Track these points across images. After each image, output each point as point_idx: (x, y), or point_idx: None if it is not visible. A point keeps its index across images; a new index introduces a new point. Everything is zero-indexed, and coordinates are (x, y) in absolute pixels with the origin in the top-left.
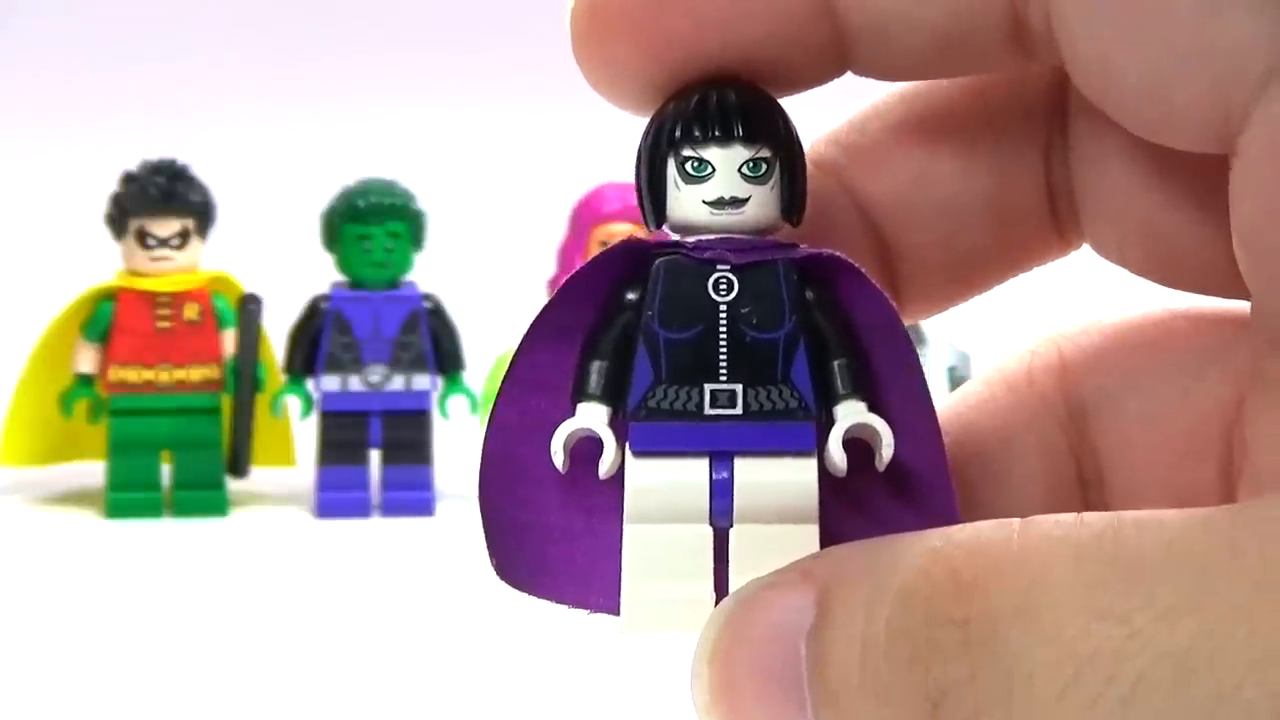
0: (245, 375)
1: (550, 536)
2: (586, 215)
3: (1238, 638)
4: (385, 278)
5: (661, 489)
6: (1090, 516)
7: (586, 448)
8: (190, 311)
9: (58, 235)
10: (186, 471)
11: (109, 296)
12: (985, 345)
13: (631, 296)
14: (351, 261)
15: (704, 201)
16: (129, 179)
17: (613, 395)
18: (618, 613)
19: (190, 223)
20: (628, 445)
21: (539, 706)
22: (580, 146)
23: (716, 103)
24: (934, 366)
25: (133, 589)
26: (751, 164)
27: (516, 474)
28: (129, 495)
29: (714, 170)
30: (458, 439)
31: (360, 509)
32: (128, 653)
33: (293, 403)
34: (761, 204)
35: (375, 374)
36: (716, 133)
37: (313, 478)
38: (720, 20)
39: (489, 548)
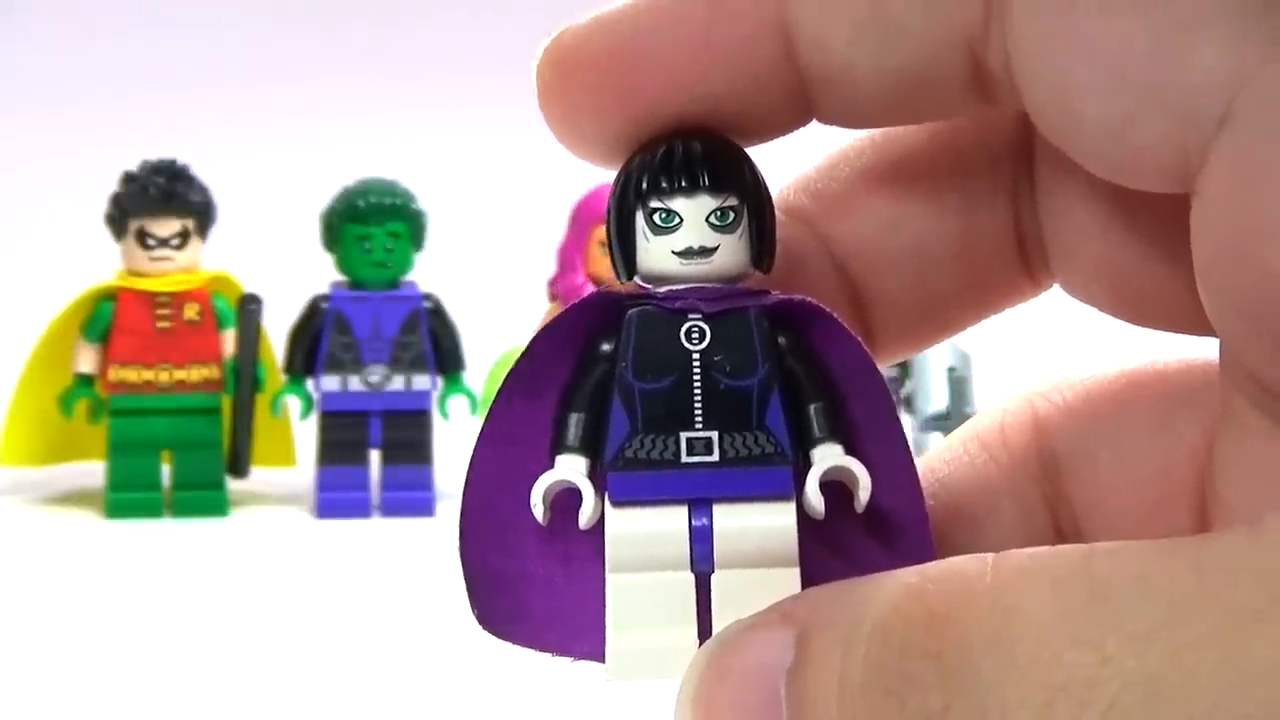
0: (245, 375)
1: (532, 585)
2: (586, 215)
3: (1208, 663)
4: (385, 278)
5: (642, 537)
6: (1064, 548)
7: (566, 498)
8: (190, 311)
9: (58, 235)
10: (186, 471)
11: (109, 296)
12: (985, 345)
13: (606, 348)
14: (351, 261)
15: (673, 251)
16: (129, 179)
17: (590, 446)
18: (602, 659)
19: (190, 223)
20: (606, 495)
21: (539, 706)
22: None
23: (682, 154)
24: (934, 366)
25: (133, 589)
26: (719, 213)
27: (497, 524)
28: (129, 495)
29: (682, 221)
30: (458, 439)
31: (360, 509)
32: (128, 653)
33: (293, 403)
34: (731, 252)
35: (375, 374)
36: (683, 183)
37: (313, 478)
38: (683, 74)
39: (470, 596)
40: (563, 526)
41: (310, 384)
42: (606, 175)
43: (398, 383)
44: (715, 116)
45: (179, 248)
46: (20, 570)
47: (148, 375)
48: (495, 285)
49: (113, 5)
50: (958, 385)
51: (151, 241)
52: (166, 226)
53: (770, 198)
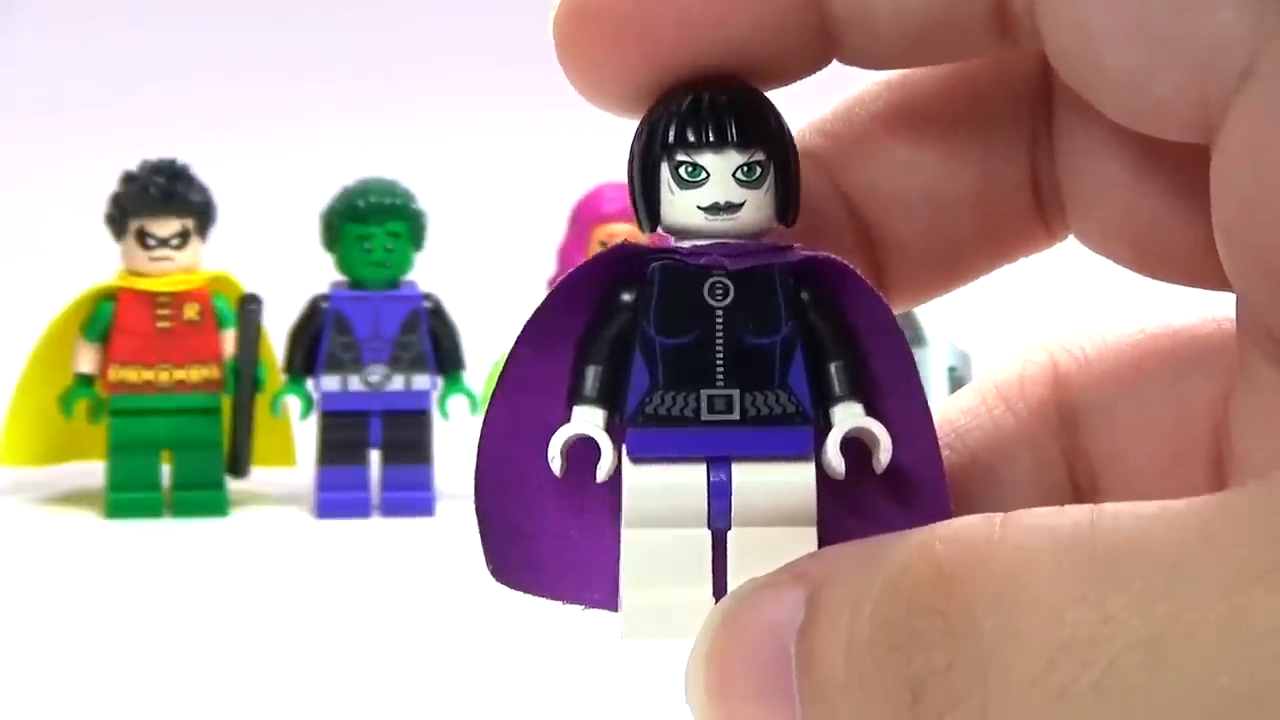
0: (245, 375)
1: (545, 536)
2: (586, 215)
3: (1210, 622)
4: (385, 278)
5: (659, 493)
6: (1071, 509)
7: (581, 449)
8: (190, 311)
9: (58, 235)
10: (186, 471)
11: (109, 296)
12: (985, 345)
13: (626, 297)
14: (351, 261)
15: (699, 207)
16: (129, 179)
17: (608, 398)
18: (614, 608)
19: (190, 223)
20: (624, 449)
21: (539, 706)
22: (580, 147)
23: (709, 106)
24: (934, 367)
25: (133, 589)
26: (746, 169)
27: (511, 475)
28: (129, 495)
29: (708, 175)
30: (458, 439)
31: (360, 509)
32: (128, 653)
33: (293, 403)
34: (756, 208)
35: (375, 374)
36: (711, 138)
37: (313, 478)
38: (706, 18)
39: (484, 547)
40: (577, 478)
41: (310, 384)
42: (606, 176)
43: (398, 383)
44: (737, 61)
45: (179, 248)
46: (20, 570)
47: (148, 375)
48: (495, 285)
49: (113, 5)
50: (958, 385)
51: (151, 241)
52: (166, 226)
53: (796, 151)
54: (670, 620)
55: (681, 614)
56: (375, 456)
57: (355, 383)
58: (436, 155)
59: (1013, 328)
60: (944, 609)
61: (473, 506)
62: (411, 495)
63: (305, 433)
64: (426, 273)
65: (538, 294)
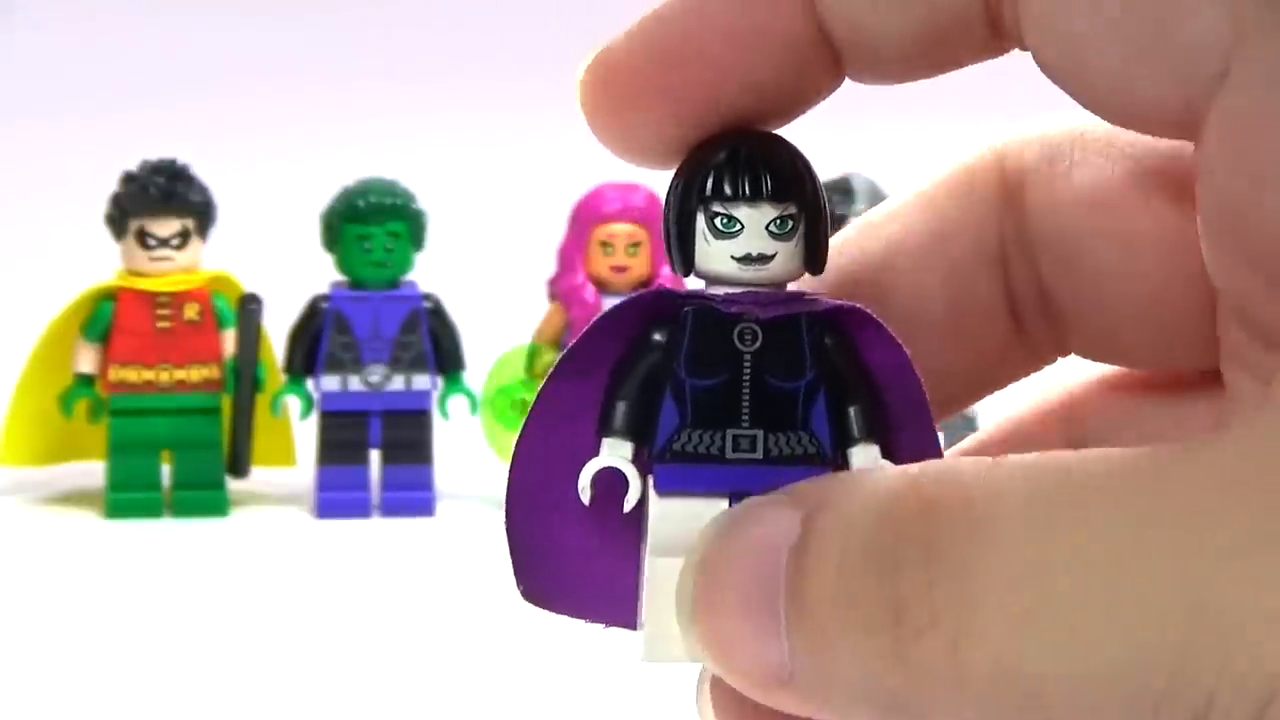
0: (245, 375)
1: (572, 558)
2: (586, 215)
3: (1164, 549)
4: (385, 278)
5: (683, 524)
6: (1054, 453)
7: (607, 476)
8: (190, 311)
9: (58, 235)
10: (186, 471)
11: (109, 296)
12: None
13: (659, 338)
14: (351, 261)
15: (732, 256)
16: (129, 179)
17: (636, 432)
18: (634, 628)
19: (190, 223)
20: (651, 482)
21: (539, 706)
22: (580, 148)
23: (745, 161)
24: None
25: (133, 589)
26: (779, 221)
27: (541, 500)
28: (129, 495)
29: (743, 227)
30: (458, 439)
31: (360, 509)
32: (128, 653)
33: (293, 403)
34: (786, 259)
35: (375, 374)
36: (747, 192)
37: (313, 478)
38: (726, 68)
39: (514, 567)
40: (604, 506)
41: (310, 384)
42: (607, 176)
43: (398, 383)
44: (758, 103)
45: (179, 248)
46: (20, 570)
47: (148, 375)
48: (495, 285)
49: (113, 5)
50: None
51: (152, 241)
52: (166, 226)
53: (826, 205)
54: (688, 646)
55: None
56: (375, 456)
57: (355, 383)
58: (436, 156)
59: None
60: (927, 537)
61: (504, 527)
62: (411, 495)
63: (305, 433)
64: (426, 273)
65: (538, 294)
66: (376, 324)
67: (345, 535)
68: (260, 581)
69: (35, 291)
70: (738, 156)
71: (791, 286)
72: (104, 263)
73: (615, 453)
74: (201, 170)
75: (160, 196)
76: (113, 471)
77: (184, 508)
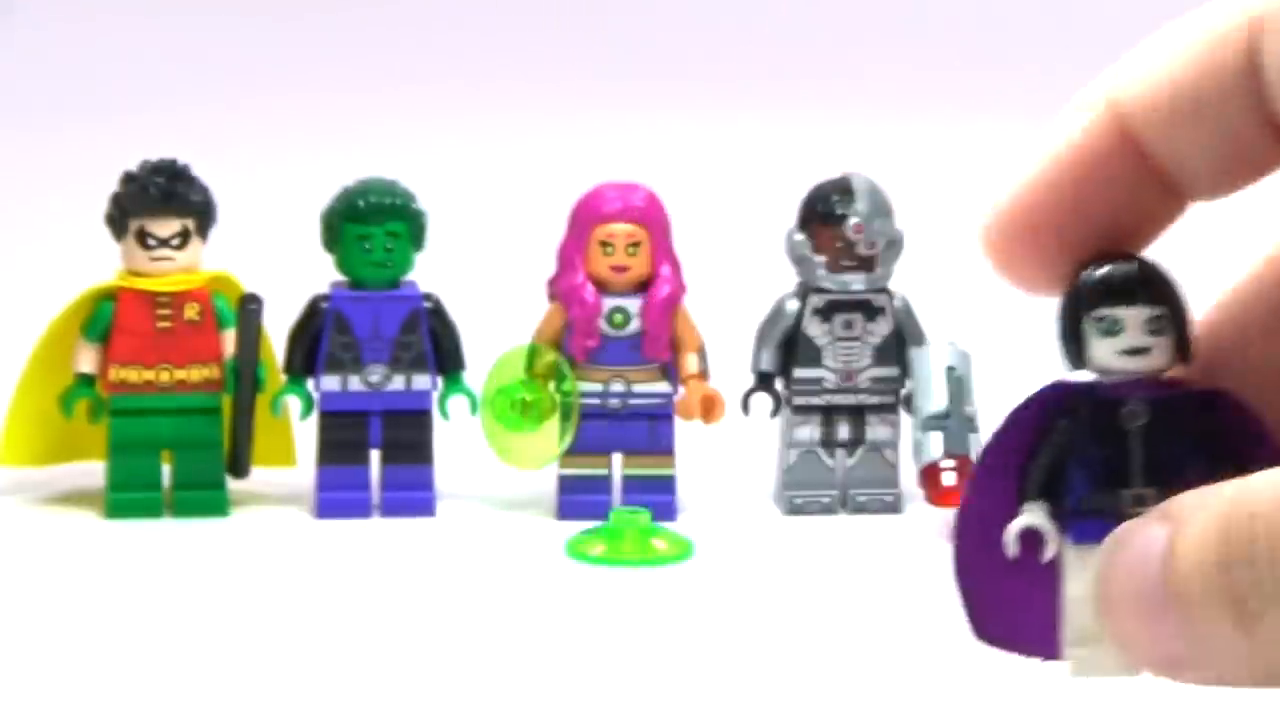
0: (245, 375)
1: (1005, 605)
2: (586, 215)
3: None
4: (385, 278)
5: (1093, 568)
6: None
7: (1028, 535)
8: (190, 312)
9: (58, 235)
10: (187, 472)
11: (109, 296)
12: (985, 345)
13: (1063, 422)
14: (351, 261)
15: (1117, 351)
16: (129, 179)
17: (1049, 495)
18: (1059, 658)
19: (190, 223)
20: (1065, 536)
21: (539, 707)
22: (580, 147)
23: (1123, 276)
24: (934, 367)
25: (133, 589)
26: (1153, 320)
27: (980, 561)
28: (129, 495)
29: (1124, 327)
30: (458, 439)
31: (360, 509)
32: (128, 653)
33: (293, 403)
34: (1161, 351)
35: (375, 374)
36: (1128, 300)
37: (313, 478)
38: (1102, 213)
39: (969, 615)
40: (1025, 556)
41: (310, 384)
42: (606, 176)
43: (398, 383)
44: (1127, 233)
45: (179, 248)
46: (20, 570)
47: (148, 375)
48: (495, 285)
49: (113, 5)
50: (957, 385)
51: (152, 241)
52: (167, 226)
53: (1188, 307)
54: (1105, 664)
55: (1110, 660)
56: (375, 456)
57: (355, 383)
58: (436, 156)
59: (1012, 328)
60: (1254, 538)
61: (956, 584)
62: (412, 495)
63: (305, 433)
64: (426, 273)
65: (538, 294)
66: (376, 324)
67: (345, 535)
68: (260, 581)
69: (35, 291)
70: (1118, 273)
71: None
72: (104, 263)
73: (1035, 514)
74: (201, 170)
75: (160, 196)
76: (113, 471)
77: (184, 508)
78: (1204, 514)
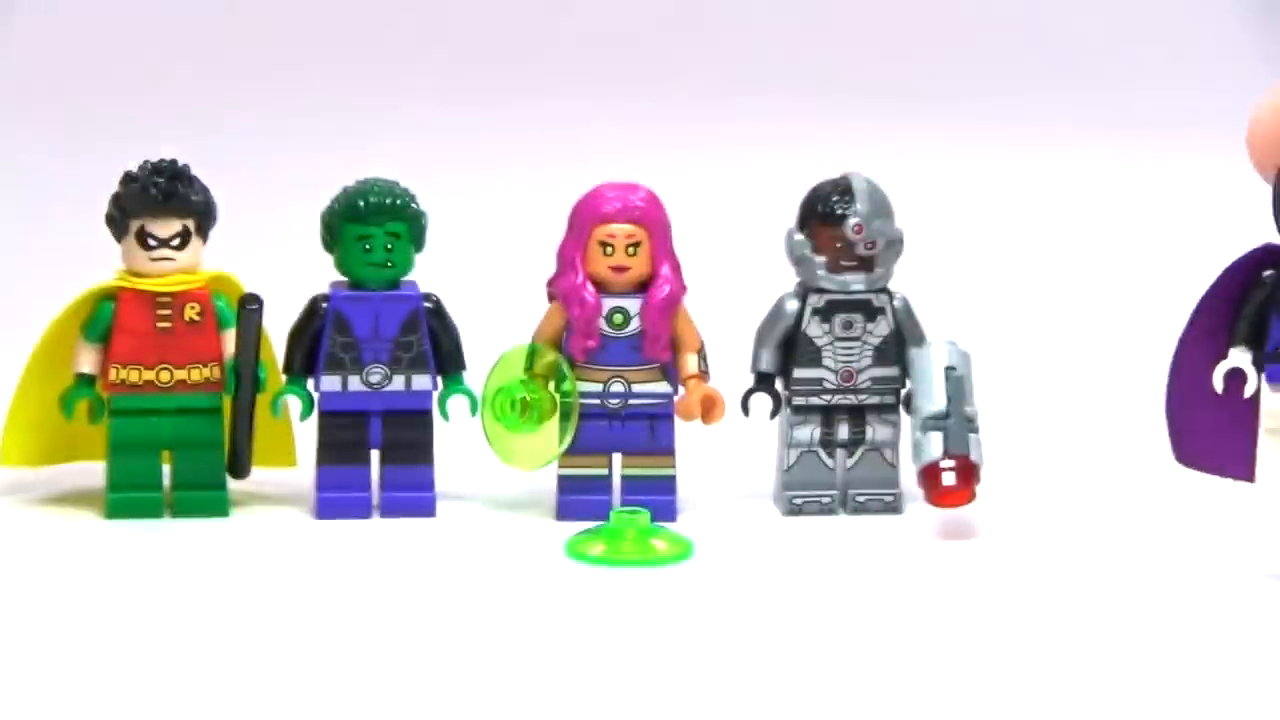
0: (245, 376)
1: (1209, 433)
2: (586, 215)
3: None
4: (385, 278)
5: None
6: None
7: (1234, 374)
8: (191, 312)
9: (58, 235)
10: (187, 472)
11: (109, 296)
12: (985, 345)
13: (1268, 274)
14: (351, 262)
15: None
16: (129, 179)
17: (1253, 342)
18: (1249, 479)
19: (191, 223)
20: (1264, 377)
21: (538, 707)
22: (580, 147)
23: None
24: (933, 367)
25: (133, 589)
26: None
27: (1191, 394)
28: (129, 495)
29: None
30: (458, 439)
31: (360, 509)
32: (128, 653)
33: (293, 403)
34: None
35: (375, 374)
36: None
37: (312, 478)
38: None
39: (1172, 439)
40: (1231, 393)
41: (310, 384)
42: (606, 176)
43: (398, 383)
44: None
45: (180, 248)
46: (20, 570)
47: (148, 375)
48: (495, 285)
49: (114, 5)
50: (957, 385)
51: (152, 242)
52: (167, 227)
53: None
54: None
55: None
56: (375, 457)
57: (355, 383)
58: (436, 155)
59: (1013, 328)
60: None
61: (1165, 413)
62: (412, 495)
63: (305, 433)
64: (426, 273)
65: (538, 294)
66: (376, 324)
67: (345, 535)
68: (260, 581)
69: (35, 291)
70: None
71: None
72: (104, 263)
73: (1240, 358)
74: (201, 170)
75: (161, 197)
76: (113, 471)
77: (184, 508)
78: None
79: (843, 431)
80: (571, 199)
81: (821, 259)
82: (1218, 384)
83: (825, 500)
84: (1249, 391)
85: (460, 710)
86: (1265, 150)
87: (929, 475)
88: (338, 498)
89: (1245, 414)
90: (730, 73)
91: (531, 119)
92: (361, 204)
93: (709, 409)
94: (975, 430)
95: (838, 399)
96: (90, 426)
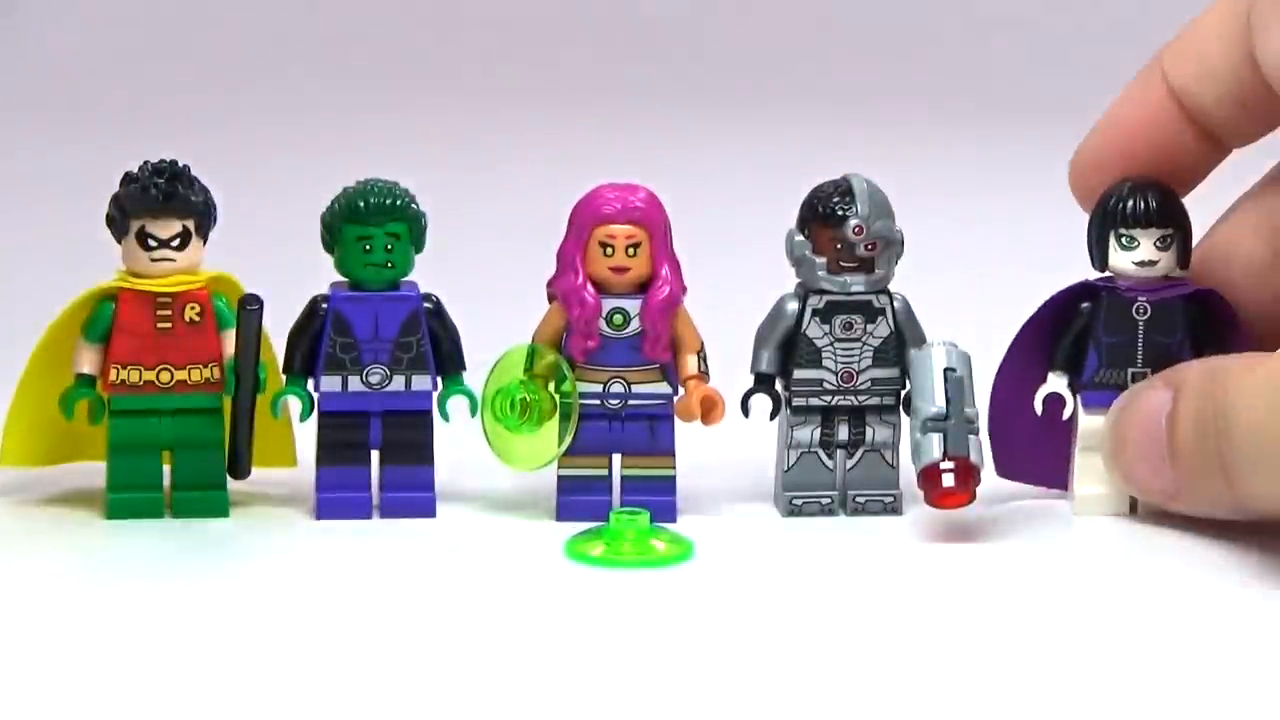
0: (244, 376)
1: (1027, 449)
2: (586, 215)
3: None
4: (385, 279)
5: (1100, 430)
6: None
7: (1051, 397)
8: (191, 312)
9: (58, 235)
10: (187, 472)
11: (109, 297)
12: (985, 346)
13: (1084, 306)
14: (351, 262)
15: (1133, 262)
16: (129, 179)
17: (1069, 368)
18: (1066, 489)
19: (191, 223)
20: (1079, 402)
21: (538, 708)
22: (580, 147)
23: (1143, 202)
24: (933, 368)
25: (133, 589)
26: (1161, 239)
27: (1010, 414)
28: (129, 495)
29: (1139, 244)
30: (458, 439)
31: (360, 509)
32: (128, 653)
33: (293, 403)
34: (1166, 263)
35: (375, 374)
36: (1143, 222)
37: (312, 478)
38: (1146, 158)
39: (995, 454)
40: (1049, 414)
41: (310, 384)
42: (606, 176)
43: (398, 383)
44: (1174, 169)
45: (180, 248)
46: (20, 570)
47: (148, 376)
48: (495, 285)
49: (114, 5)
50: (956, 387)
51: (152, 242)
52: (167, 227)
53: (1190, 225)
54: (1104, 505)
55: (1112, 500)
56: (375, 457)
57: (355, 383)
58: (436, 156)
59: (1012, 330)
60: (1223, 403)
61: (988, 432)
62: (412, 496)
63: (305, 433)
64: (426, 273)
65: (538, 294)
66: (376, 325)
67: (345, 535)
68: (260, 581)
69: (35, 291)
70: (1137, 200)
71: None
72: (104, 263)
73: (1058, 383)
74: (202, 171)
75: (161, 197)
76: (113, 472)
77: (184, 508)
78: (1198, 381)
79: (842, 432)
80: (571, 199)
81: (822, 260)
82: (1038, 407)
83: (825, 501)
84: (1067, 414)
85: (460, 711)
86: (1080, 183)
87: (928, 476)
88: (338, 498)
89: (1061, 432)
90: (731, 73)
91: (532, 119)
92: (361, 205)
93: (709, 410)
94: (975, 432)
95: (838, 400)
96: (90, 427)
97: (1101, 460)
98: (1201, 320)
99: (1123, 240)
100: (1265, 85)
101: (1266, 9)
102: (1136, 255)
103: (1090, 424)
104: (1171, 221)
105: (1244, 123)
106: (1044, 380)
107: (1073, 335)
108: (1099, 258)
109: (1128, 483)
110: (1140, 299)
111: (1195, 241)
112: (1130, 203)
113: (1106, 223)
